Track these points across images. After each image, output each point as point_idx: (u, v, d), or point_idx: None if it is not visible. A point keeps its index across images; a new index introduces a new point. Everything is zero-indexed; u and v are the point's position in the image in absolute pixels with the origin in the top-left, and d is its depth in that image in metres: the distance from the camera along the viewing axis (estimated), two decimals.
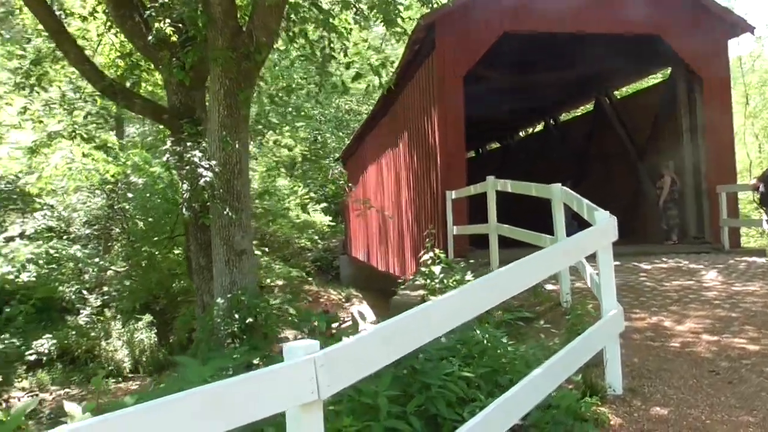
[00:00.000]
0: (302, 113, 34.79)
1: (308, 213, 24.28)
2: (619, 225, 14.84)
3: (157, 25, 7.14)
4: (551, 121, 19.92)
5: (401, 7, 11.47)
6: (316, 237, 27.17)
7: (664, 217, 13.07)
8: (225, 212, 6.86)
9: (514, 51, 14.50)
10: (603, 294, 4.50)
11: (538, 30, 12.28)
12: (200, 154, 7.11)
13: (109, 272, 19.35)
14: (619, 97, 17.24)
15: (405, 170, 15.25)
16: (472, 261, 10.77)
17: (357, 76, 9.92)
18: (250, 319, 6.26)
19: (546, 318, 6.85)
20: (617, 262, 10.50)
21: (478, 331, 4.51)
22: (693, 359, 5.25)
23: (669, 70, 14.31)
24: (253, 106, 20.46)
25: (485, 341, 4.49)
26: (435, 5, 11.35)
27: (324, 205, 29.42)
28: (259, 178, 22.15)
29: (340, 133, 37.12)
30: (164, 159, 8.36)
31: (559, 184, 7.08)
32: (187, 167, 7.13)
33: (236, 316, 6.31)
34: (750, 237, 15.99)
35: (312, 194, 29.11)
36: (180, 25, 7.31)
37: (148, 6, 7.67)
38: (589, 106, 18.61)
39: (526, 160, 21.34)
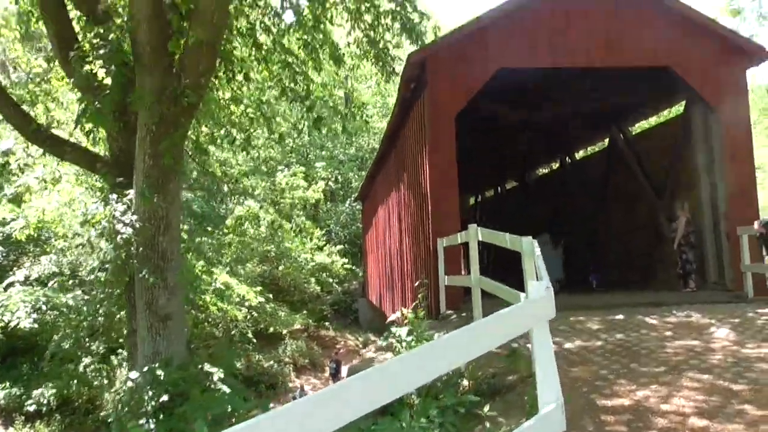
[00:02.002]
0: (323, 153, 34.68)
1: (314, 254, 23.64)
2: (638, 271, 13.60)
3: (86, 67, 6.65)
4: (567, 159, 19.03)
5: (390, 45, 11.00)
6: (331, 280, 26.42)
7: (679, 261, 12.01)
8: (142, 274, 6.22)
9: (524, 85, 13.83)
10: (539, 382, 3.66)
11: (539, 66, 11.59)
12: (123, 208, 6.54)
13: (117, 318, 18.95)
14: (635, 132, 16.28)
15: (404, 214, 14.58)
16: (464, 314, 9.94)
17: (317, 121, 9.31)
18: (165, 398, 5.55)
19: (516, 391, 5.98)
20: (621, 316, 9.65)
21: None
22: None
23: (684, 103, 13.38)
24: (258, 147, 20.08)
25: None
26: (421, 42, 10.85)
27: (340, 247, 28.77)
28: (266, 223, 21.74)
29: (362, 173, 36.70)
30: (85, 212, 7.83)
31: (530, 237, 6.26)
32: (109, 223, 6.55)
33: (150, 393, 5.62)
34: None
35: (331, 235, 28.69)
36: (110, 67, 6.80)
37: (74, 48, 7.22)
38: (606, 142, 17.72)
39: (543, 200, 20.44)
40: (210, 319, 18.58)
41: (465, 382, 6.17)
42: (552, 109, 15.40)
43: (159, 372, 5.82)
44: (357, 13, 10.56)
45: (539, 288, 3.67)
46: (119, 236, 6.36)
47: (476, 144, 18.64)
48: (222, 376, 6.01)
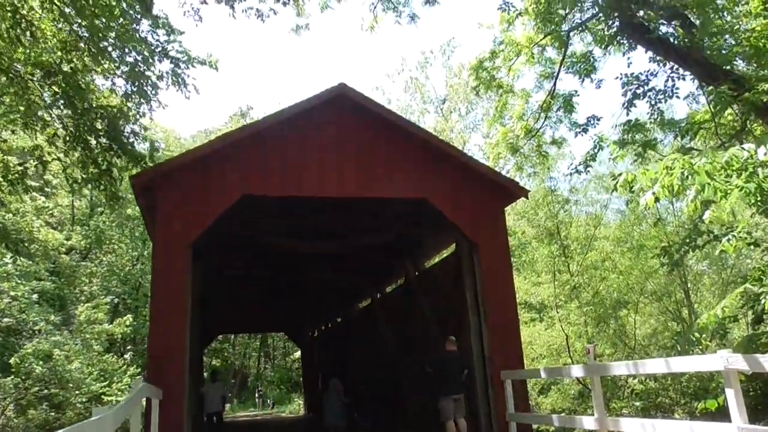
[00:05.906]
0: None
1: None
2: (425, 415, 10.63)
3: None
4: (378, 294, 18.18)
5: (115, 168, 9.92)
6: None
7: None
8: None
9: (310, 217, 12.97)
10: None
11: (288, 195, 10.75)
12: None
13: None
14: (428, 266, 15.67)
15: None
16: None
17: None
18: None
19: None
20: None
21: None
22: None
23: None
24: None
25: None
26: (145, 165, 9.86)
27: None
28: (57, 361, 19.08)
29: None
30: None
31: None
32: None
33: None
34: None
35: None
36: None
37: None
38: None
39: (359, 336, 19.37)
40: None
41: None
42: (348, 242, 14.58)
43: None
44: (76, 130, 9.51)
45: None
46: None
47: (279, 277, 17.54)
48: None
